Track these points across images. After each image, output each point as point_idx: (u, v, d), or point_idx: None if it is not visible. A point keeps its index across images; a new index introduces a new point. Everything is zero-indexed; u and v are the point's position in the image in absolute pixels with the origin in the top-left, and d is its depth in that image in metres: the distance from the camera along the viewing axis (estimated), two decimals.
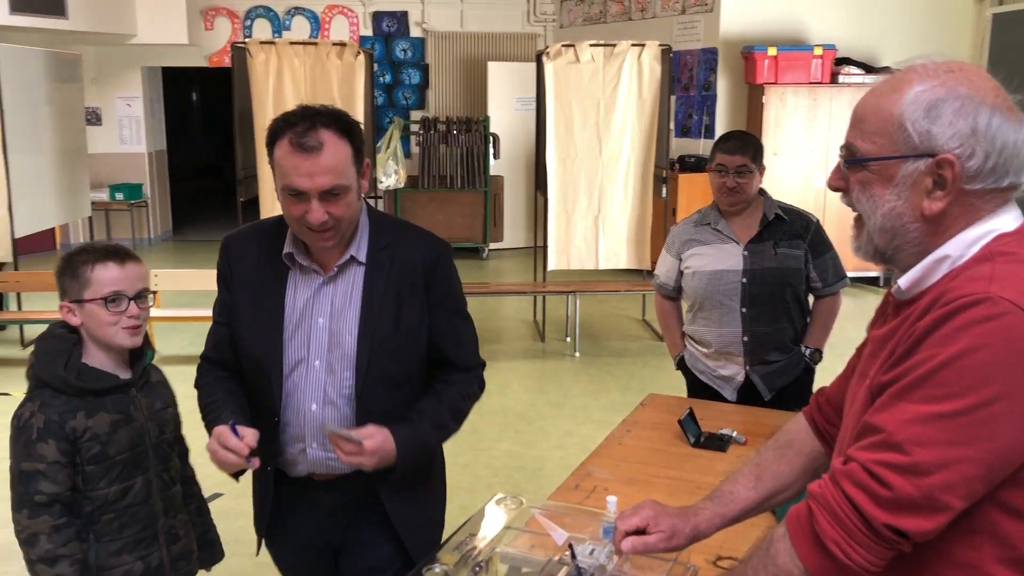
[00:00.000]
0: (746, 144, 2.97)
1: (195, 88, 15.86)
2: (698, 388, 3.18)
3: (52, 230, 9.98)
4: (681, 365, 3.26)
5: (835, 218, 4.22)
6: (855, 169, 1.26)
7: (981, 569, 1.17)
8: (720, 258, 3.02)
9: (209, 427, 1.88)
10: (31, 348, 2.05)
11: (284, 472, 1.98)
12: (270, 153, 1.81)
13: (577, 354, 6.55)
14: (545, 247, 6.70)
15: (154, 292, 2.02)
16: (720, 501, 1.56)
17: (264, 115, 6.38)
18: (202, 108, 16.19)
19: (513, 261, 10.08)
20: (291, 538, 2.06)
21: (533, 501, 1.89)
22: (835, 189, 1.32)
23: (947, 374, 1.11)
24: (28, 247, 8.32)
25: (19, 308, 6.90)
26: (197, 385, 2.02)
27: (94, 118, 10.36)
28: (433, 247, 2.00)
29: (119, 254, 1.95)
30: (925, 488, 1.12)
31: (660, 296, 3.30)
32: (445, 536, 1.87)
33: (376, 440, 1.79)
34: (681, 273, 3.14)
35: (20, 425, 1.92)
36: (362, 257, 1.91)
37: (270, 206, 6.39)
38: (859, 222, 1.30)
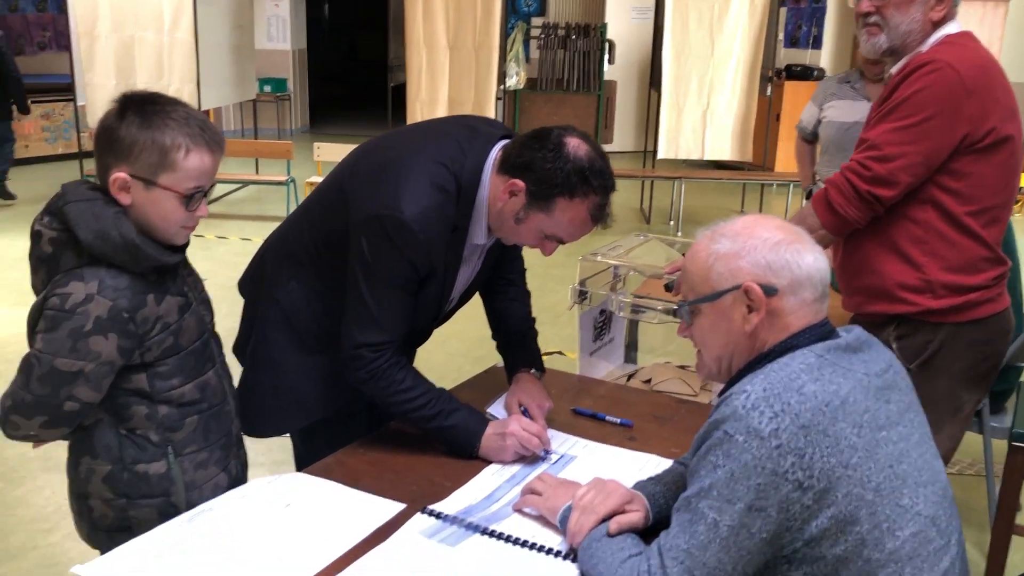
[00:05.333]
0: None
1: None
2: None
3: (206, 114, 11.18)
4: (809, 197, 4.10)
5: None
6: None
7: (930, 224, 2.03)
8: (852, 112, 3.77)
9: (430, 419, 1.77)
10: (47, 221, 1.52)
11: None
12: (543, 192, 1.65)
13: (680, 234, 7.34)
14: (655, 146, 7.43)
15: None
16: None
17: (415, 8, 7.26)
18: (332, 14, 17.18)
19: (621, 162, 10.82)
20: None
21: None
22: (867, 13, 2.10)
23: (907, 104, 1.97)
24: None
25: None
26: (375, 376, 1.75)
27: None
28: None
29: (217, 139, 1.53)
30: (890, 169, 1.98)
31: (799, 138, 4.11)
32: None
33: (546, 406, 1.91)
34: (820, 121, 3.92)
35: (65, 309, 1.47)
36: None
37: (415, 90, 7.28)
38: (875, 29, 2.09)
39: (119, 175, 1.49)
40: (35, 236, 1.52)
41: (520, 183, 1.67)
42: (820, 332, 1.32)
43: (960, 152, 1.98)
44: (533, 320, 2.13)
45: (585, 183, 1.65)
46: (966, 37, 2.06)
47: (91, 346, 1.48)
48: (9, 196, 7.86)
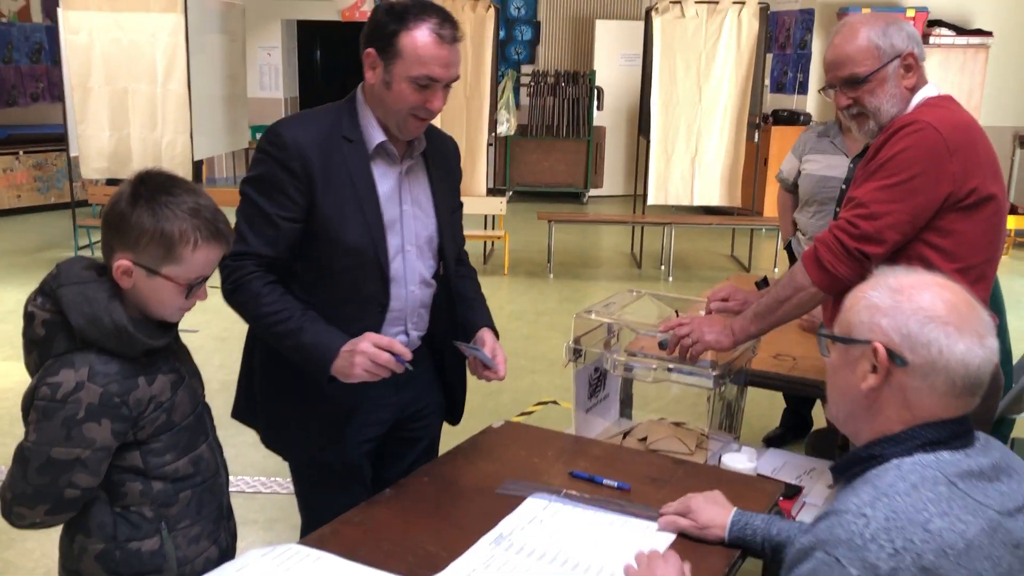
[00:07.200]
0: None
1: (319, 42, 17.01)
2: None
3: (200, 164, 11.24)
4: (788, 247, 4.16)
5: None
6: (861, 86, 2.11)
7: None
8: (830, 166, 3.83)
9: (288, 335, 1.84)
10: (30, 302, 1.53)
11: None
12: (386, 41, 1.82)
13: (671, 279, 7.38)
14: (645, 189, 7.49)
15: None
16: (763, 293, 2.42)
17: None
18: (324, 62, 17.37)
19: (611, 206, 10.90)
20: (364, 430, 2.05)
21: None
22: (847, 107, 2.16)
23: (891, 163, 2.01)
24: None
25: None
26: (239, 287, 1.84)
27: None
28: (451, 139, 2.18)
29: (227, 233, 1.57)
30: (877, 227, 2.02)
31: (781, 189, 4.17)
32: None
33: (501, 356, 2.02)
34: (799, 172, 3.97)
35: (56, 399, 1.45)
36: (423, 147, 2.00)
37: None
38: (862, 118, 2.15)
39: (123, 262, 1.51)
40: (28, 317, 1.52)
41: (370, 51, 1.87)
42: (953, 431, 1.23)
43: (945, 210, 2.02)
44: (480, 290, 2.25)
45: (412, 13, 1.82)
46: (946, 100, 2.11)
47: (85, 433, 1.47)
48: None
